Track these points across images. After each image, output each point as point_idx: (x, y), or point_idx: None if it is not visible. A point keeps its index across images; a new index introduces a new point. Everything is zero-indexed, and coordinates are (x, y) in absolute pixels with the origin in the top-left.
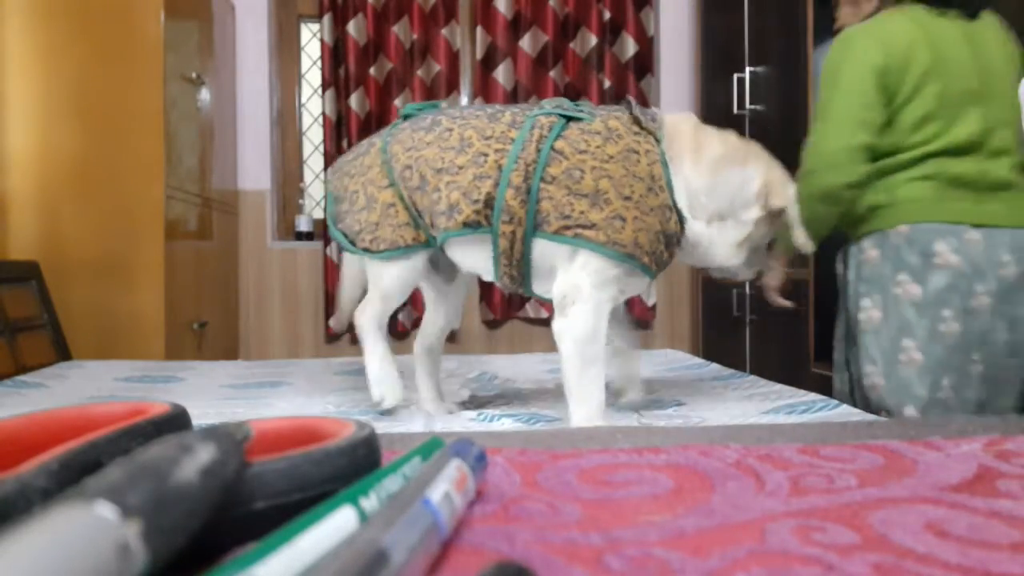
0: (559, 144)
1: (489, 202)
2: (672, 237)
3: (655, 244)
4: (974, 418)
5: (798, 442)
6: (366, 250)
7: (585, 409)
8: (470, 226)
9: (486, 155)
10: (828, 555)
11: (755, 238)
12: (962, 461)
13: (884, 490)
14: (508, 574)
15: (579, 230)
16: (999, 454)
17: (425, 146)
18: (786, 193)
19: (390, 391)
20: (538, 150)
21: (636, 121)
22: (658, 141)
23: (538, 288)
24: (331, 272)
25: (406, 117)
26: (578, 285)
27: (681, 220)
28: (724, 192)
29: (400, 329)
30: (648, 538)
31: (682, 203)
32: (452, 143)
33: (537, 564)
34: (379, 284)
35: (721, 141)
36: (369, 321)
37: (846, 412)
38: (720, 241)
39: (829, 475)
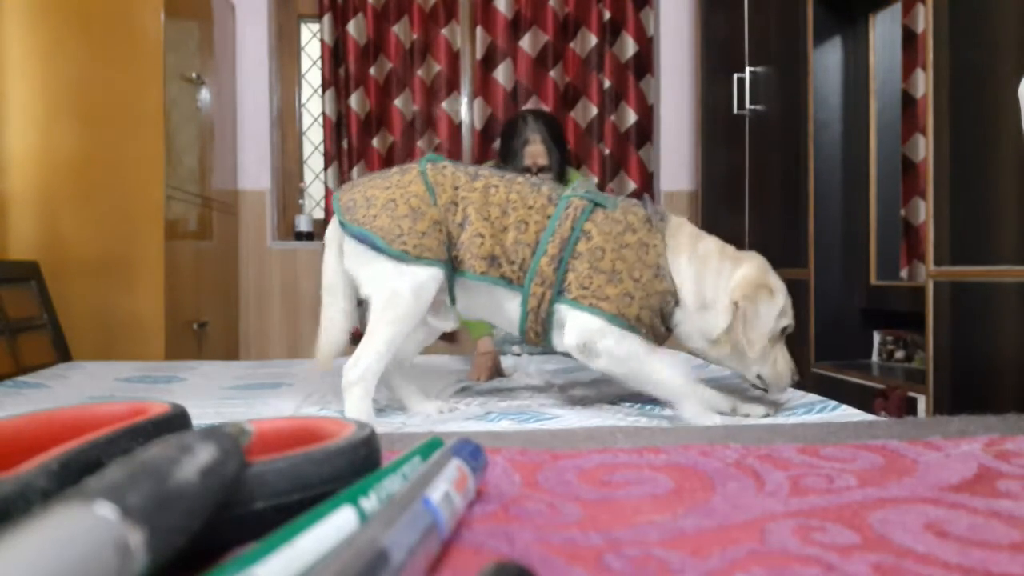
0: (587, 225)
1: (523, 265)
2: (670, 318)
3: (654, 320)
4: (974, 418)
5: (798, 442)
6: (405, 253)
7: (689, 404)
8: (505, 279)
9: (527, 223)
10: (828, 555)
11: (736, 332)
12: (962, 461)
13: (884, 490)
14: (508, 574)
15: (595, 300)
16: (999, 454)
17: (472, 191)
18: (749, 291)
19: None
20: (572, 228)
21: (648, 220)
22: (663, 236)
23: (555, 341)
24: None
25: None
26: (589, 327)
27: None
28: (708, 282)
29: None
30: (648, 538)
31: (680, 290)
32: (497, 200)
33: (537, 564)
34: (401, 300)
35: (717, 242)
36: (376, 373)
37: (846, 412)
38: (703, 327)
39: (829, 475)
